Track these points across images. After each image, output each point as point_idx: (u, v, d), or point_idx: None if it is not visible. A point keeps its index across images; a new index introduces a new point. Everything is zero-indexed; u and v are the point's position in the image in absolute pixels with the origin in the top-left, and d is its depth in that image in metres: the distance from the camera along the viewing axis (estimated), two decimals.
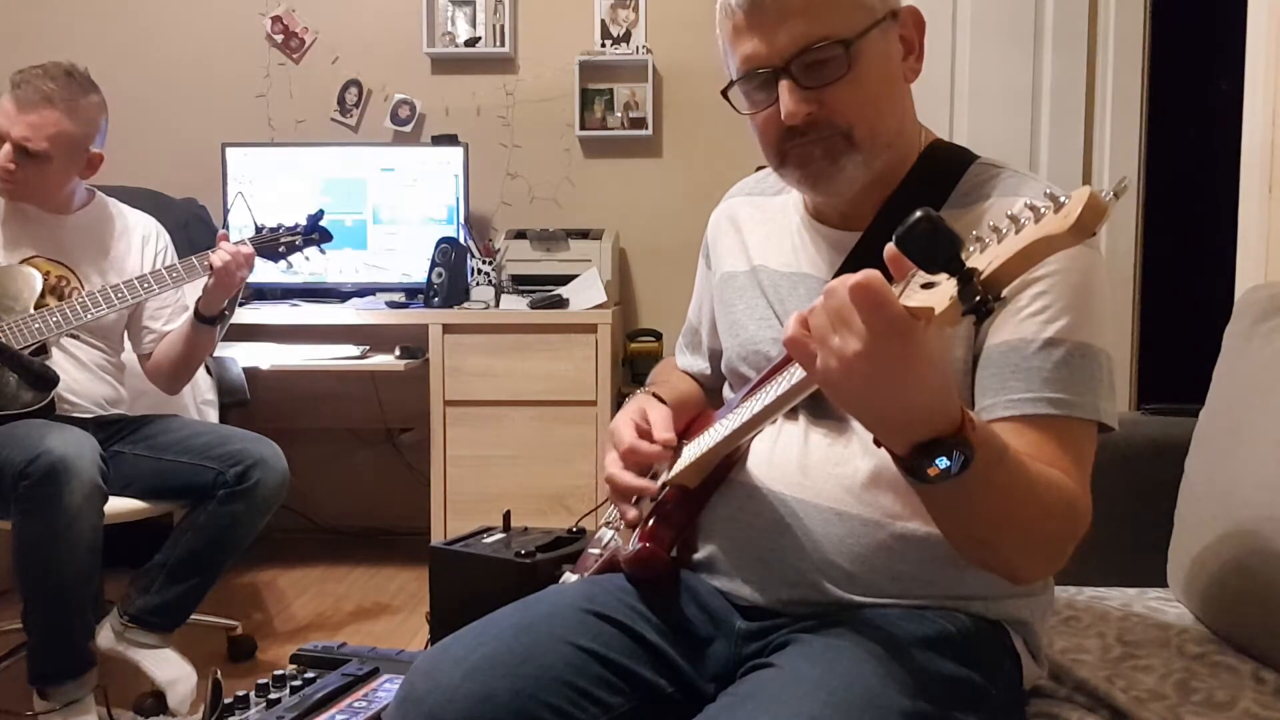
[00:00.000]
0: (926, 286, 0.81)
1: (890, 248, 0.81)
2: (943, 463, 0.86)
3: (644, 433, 1.21)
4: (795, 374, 0.97)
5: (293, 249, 2.43)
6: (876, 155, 1.11)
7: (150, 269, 2.40)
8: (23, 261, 2.32)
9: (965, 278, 0.77)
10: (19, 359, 2.15)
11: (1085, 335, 1.04)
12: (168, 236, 2.56)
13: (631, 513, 1.20)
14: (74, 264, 2.38)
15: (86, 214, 2.44)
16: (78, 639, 2.09)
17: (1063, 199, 0.74)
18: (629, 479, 1.20)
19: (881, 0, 1.10)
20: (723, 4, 1.11)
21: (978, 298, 0.76)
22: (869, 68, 1.08)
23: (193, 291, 2.46)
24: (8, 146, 2.28)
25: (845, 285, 0.82)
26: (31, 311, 2.24)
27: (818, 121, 1.08)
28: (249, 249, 2.33)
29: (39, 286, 2.28)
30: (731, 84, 1.14)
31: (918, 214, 0.77)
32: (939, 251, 0.77)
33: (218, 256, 2.28)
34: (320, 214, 2.47)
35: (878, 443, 0.91)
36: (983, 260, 0.77)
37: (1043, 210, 0.75)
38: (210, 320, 2.36)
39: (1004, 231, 0.78)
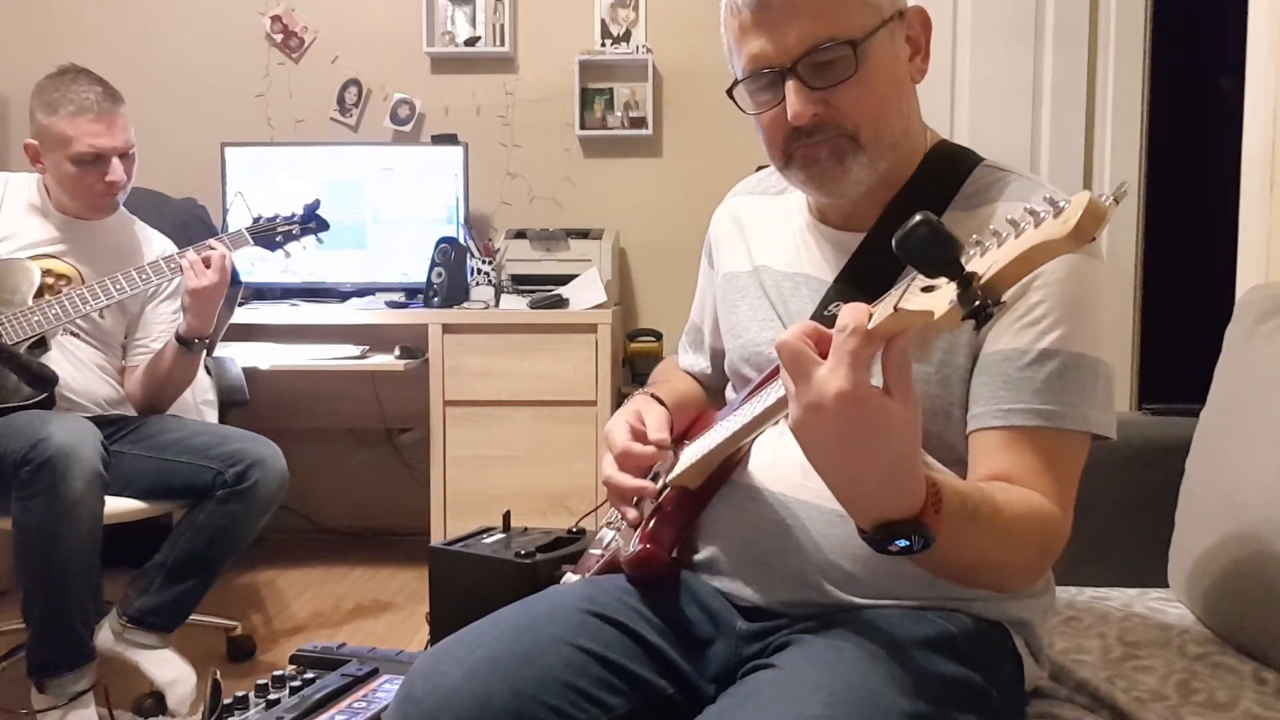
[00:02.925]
0: (926, 290, 0.81)
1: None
2: (902, 543, 0.87)
3: (639, 434, 1.21)
4: None
5: (290, 238, 2.43)
6: (882, 156, 1.11)
7: (162, 293, 2.44)
8: (36, 256, 2.32)
9: (965, 282, 0.77)
10: (18, 359, 2.14)
11: (1080, 346, 1.04)
12: None
13: (632, 513, 1.20)
14: (86, 270, 2.37)
15: (110, 223, 2.45)
16: (77, 630, 2.08)
17: (1062, 203, 0.74)
18: (626, 480, 1.19)
19: (889, 1, 1.10)
20: (728, 3, 1.11)
21: (977, 302, 0.76)
22: (876, 68, 1.08)
23: None
24: (116, 161, 2.31)
25: (783, 340, 0.86)
26: (30, 304, 2.23)
27: (824, 122, 1.08)
28: (220, 252, 2.30)
29: (37, 280, 2.27)
30: (736, 83, 1.13)
31: (917, 217, 0.77)
32: (938, 255, 0.77)
33: (186, 258, 2.28)
34: (317, 203, 2.47)
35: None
36: (982, 264, 0.77)
37: (1042, 215, 0.75)
38: (186, 343, 2.34)
39: (1004, 236, 0.78)
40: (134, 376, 2.46)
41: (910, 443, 0.86)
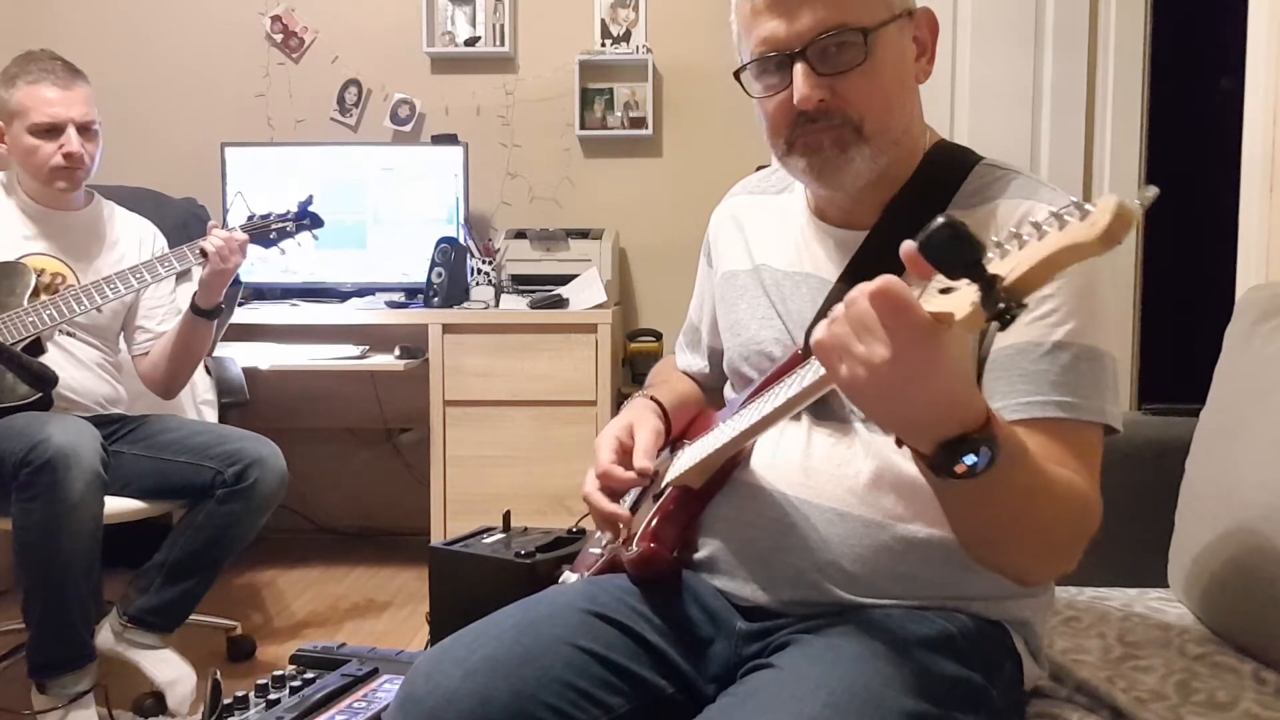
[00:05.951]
0: (944, 291, 0.81)
1: (910, 248, 0.80)
2: (970, 459, 0.85)
3: (626, 450, 1.21)
4: (808, 376, 0.97)
5: (284, 235, 2.42)
6: (884, 151, 1.11)
7: None
8: (25, 257, 2.32)
9: (988, 284, 0.76)
10: (18, 359, 2.14)
11: (1091, 338, 1.04)
12: (164, 240, 2.56)
13: (608, 534, 1.20)
14: (74, 263, 2.37)
15: (87, 213, 2.45)
16: (78, 630, 2.08)
17: (1089, 207, 0.73)
18: (603, 504, 1.20)
19: None
20: None
21: (1001, 305, 0.76)
22: (884, 60, 1.09)
23: (186, 294, 2.46)
24: (72, 131, 2.28)
25: (866, 293, 0.82)
26: (25, 305, 2.23)
27: (829, 109, 1.08)
28: (242, 235, 2.32)
29: (33, 282, 2.27)
30: (744, 66, 1.14)
31: (940, 219, 0.76)
32: (961, 258, 0.77)
33: (209, 242, 2.28)
34: (310, 200, 2.46)
35: (900, 443, 0.91)
36: (1004, 267, 0.76)
37: (1067, 218, 0.74)
38: (207, 314, 2.36)
39: (1025, 238, 0.77)
40: (149, 360, 2.46)
41: (964, 359, 0.91)
